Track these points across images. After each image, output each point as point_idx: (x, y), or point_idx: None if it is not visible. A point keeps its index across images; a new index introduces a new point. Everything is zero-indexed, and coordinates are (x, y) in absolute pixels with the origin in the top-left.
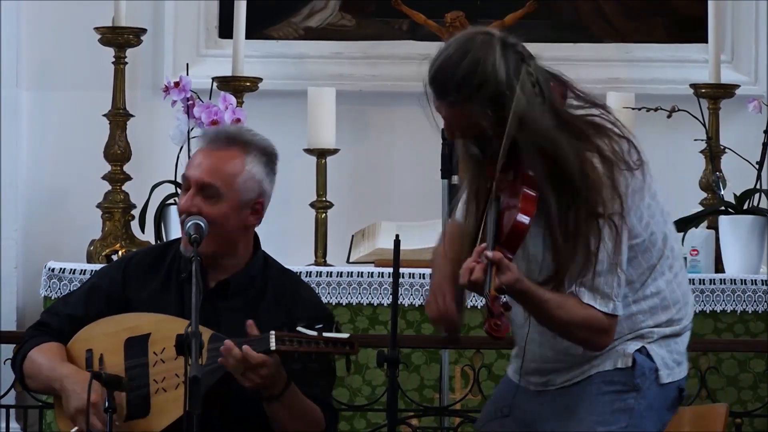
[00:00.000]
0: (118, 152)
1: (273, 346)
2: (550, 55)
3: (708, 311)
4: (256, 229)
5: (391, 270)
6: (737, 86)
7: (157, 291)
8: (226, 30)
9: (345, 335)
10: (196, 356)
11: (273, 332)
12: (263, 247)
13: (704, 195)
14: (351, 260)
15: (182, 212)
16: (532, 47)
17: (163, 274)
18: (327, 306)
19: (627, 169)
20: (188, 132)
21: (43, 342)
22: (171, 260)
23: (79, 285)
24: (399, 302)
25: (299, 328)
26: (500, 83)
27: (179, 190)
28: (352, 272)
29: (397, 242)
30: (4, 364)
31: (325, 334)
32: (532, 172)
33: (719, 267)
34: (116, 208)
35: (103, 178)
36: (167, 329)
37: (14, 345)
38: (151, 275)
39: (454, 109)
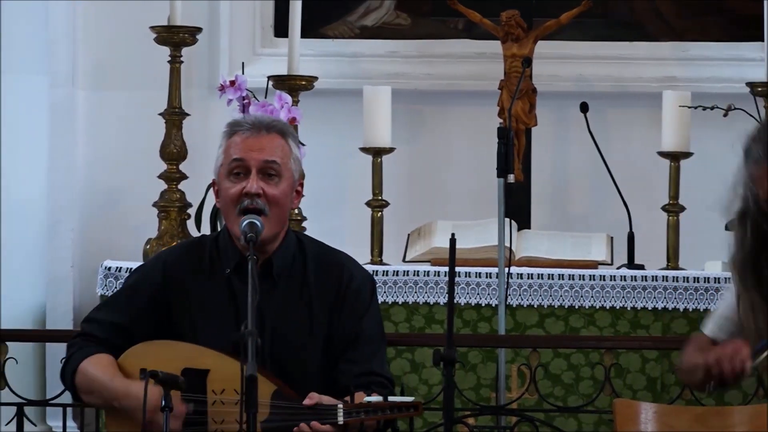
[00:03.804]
0: (174, 151)
1: (341, 420)
2: (605, 53)
3: None
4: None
5: (447, 269)
6: None
7: (203, 289)
8: (281, 29)
9: (409, 399)
10: (252, 356)
11: (341, 405)
12: None
13: None
14: (407, 259)
15: (249, 195)
16: (588, 46)
17: (206, 271)
18: (368, 272)
19: None
20: None
21: (91, 353)
22: (210, 256)
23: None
24: (455, 301)
25: (366, 399)
26: None
27: None
28: (408, 271)
29: (453, 241)
30: (61, 363)
31: (390, 399)
32: None
33: None
34: (172, 207)
35: (159, 177)
36: (227, 369)
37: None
38: (192, 274)
39: None
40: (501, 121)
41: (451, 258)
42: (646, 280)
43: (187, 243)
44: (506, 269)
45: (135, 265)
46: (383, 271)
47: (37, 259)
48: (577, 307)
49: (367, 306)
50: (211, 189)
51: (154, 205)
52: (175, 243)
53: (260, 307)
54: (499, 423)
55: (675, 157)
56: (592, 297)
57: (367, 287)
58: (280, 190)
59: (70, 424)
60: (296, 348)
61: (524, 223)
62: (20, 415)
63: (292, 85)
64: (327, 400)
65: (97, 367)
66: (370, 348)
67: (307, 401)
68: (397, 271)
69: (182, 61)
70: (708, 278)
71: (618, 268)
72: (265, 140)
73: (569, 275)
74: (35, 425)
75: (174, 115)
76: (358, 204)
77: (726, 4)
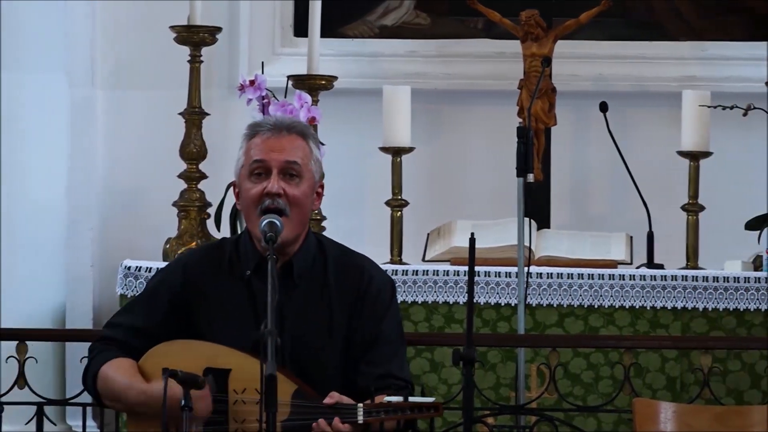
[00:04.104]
0: (193, 151)
1: (361, 419)
2: (624, 53)
3: None
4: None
5: (466, 268)
6: None
7: (224, 291)
8: (301, 28)
9: (430, 399)
10: (272, 355)
11: (361, 405)
12: None
13: None
14: (426, 258)
15: (270, 195)
16: (607, 45)
17: (227, 273)
18: (388, 275)
19: None
20: None
21: (111, 357)
22: (229, 258)
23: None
24: (474, 300)
25: (387, 399)
26: None
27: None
28: (427, 271)
29: (472, 241)
30: (81, 362)
31: (411, 399)
32: None
33: None
34: (192, 206)
35: (179, 176)
36: (249, 369)
37: (91, 343)
38: (212, 276)
39: None
40: (520, 120)
41: (471, 257)
42: (665, 280)
43: (207, 246)
44: (526, 269)
45: (155, 264)
46: (403, 271)
47: (56, 258)
48: (596, 306)
49: (386, 308)
50: (231, 189)
51: (174, 204)
52: (194, 243)
53: (280, 309)
54: (519, 422)
55: (694, 157)
56: (611, 296)
57: (387, 290)
58: (301, 191)
59: (90, 423)
60: (316, 349)
61: (544, 222)
62: (40, 415)
63: (311, 84)
64: (347, 400)
65: (117, 372)
66: (390, 350)
67: (327, 400)
68: (417, 271)
69: (202, 61)
70: (727, 278)
71: (637, 268)
72: (286, 141)
73: (589, 275)
74: (55, 425)
75: (194, 115)
76: (378, 204)
77: (745, 3)
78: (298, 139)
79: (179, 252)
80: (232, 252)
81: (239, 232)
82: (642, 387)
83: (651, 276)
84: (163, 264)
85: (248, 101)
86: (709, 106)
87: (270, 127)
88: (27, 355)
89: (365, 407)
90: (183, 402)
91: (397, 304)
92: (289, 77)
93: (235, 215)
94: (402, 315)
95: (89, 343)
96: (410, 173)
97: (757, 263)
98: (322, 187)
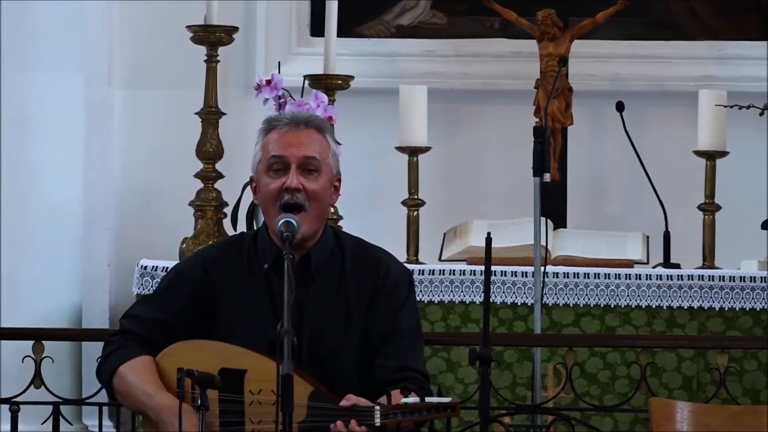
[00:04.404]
0: (210, 150)
1: (378, 422)
2: (641, 52)
3: None
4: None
5: (482, 268)
6: None
7: (242, 285)
8: (317, 28)
9: (446, 399)
10: (288, 355)
11: (378, 408)
12: None
13: None
14: (443, 258)
15: (289, 190)
16: (623, 45)
17: (245, 267)
18: (405, 267)
19: None
20: None
21: (131, 355)
22: (248, 252)
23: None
24: (491, 300)
25: (404, 400)
26: None
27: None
28: (444, 270)
29: (488, 240)
30: (97, 361)
31: (427, 400)
32: None
33: None
34: (208, 206)
35: (196, 176)
36: (265, 370)
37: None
38: (231, 269)
39: None
40: (537, 120)
41: (487, 257)
42: (681, 279)
43: (225, 240)
44: (542, 268)
45: (171, 264)
46: (419, 270)
47: (73, 258)
48: (612, 306)
49: (404, 301)
50: (248, 188)
51: (191, 204)
52: (211, 242)
53: (299, 302)
54: (535, 422)
55: (711, 156)
56: (627, 296)
57: (405, 282)
58: (320, 185)
59: (106, 423)
60: (334, 342)
61: (560, 222)
62: (56, 414)
63: (328, 84)
64: (364, 402)
65: (138, 374)
66: (407, 343)
67: (344, 402)
68: (433, 270)
69: (218, 61)
70: (744, 277)
71: (654, 267)
72: (303, 136)
73: (605, 274)
74: (71, 424)
75: (210, 115)
76: (394, 203)
77: (762, 2)
78: (316, 133)
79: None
80: (251, 246)
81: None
82: (658, 386)
83: (667, 275)
84: None
85: (265, 101)
86: (725, 106)
87: (287, 121)
88: (43, 355)
89: (382, 410)
90: (199, 401)
91: (414, 297)
92: (305, 77)
93: (251, 215)
94: (419, 314)
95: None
96: (427, 173)
97: None
98: (339, 181)
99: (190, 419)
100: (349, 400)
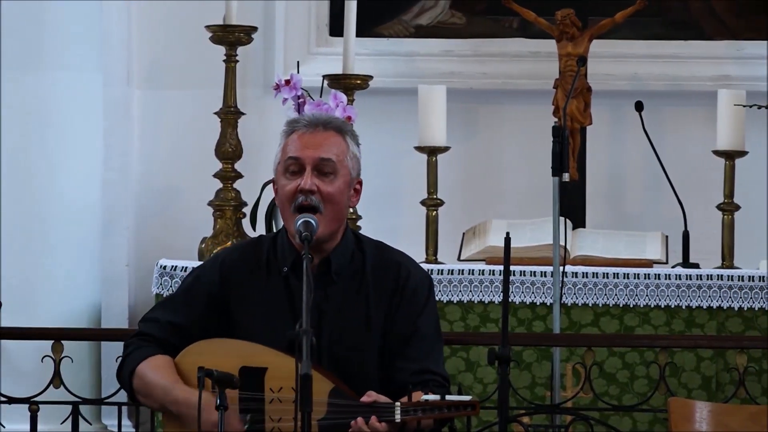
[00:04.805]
0: (229, 150)
1: (398, 418)
2: (660, 52)
3: None
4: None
5: (501, 267)
6: None
7: (261, 288)
8: (336, 28)
9: (467, 398)
10: (307, 354)
11: (399, 404)
12: None
13: None
14: (462, 258)
15: (304, 192)
16: (642, 45)
17: (263, 270)
18: (426, 272)
19: None
20: None
21: (149, 354)
22: (267, 255)
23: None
24: (510, 300)
25: (424, 398)
26: None
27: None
28: (463, 270)
29: (507, 240)
30: (116, 362)
31: (448, 397)
32: None
33: None
34: (227, 206)
35: (215, 176)
36: (285, 368)
37: (128, 338)
38: (249, 273)
39: None
40: (556, 119)
41: (506, 257)
42: (701, 279)
43: (244, 243)
44: (561, 268)
45: (190, 264)
46: (438, 270)
47: (92, 258)
48: (632, 305)
49: (423, 304)
50: (267, 188)
51: (210, 204)
52: (230, 242)
53: (318, 305)
54: (554, 422)
55: (730, 156)
56: (647, 296)
57: (425, 286)
58: (335, 188)
59: (125, 422)
60: (354, 346)
61: (579, 221)
62: (75, 414)
63: (347, 84)
64: (384, 399)
65: (156, 371)
66: (426, 346)
67: (364, 399)
68: (452, 270)
69: (237, 60)
70: (763, 277)
71: (673, 267)
72: (321, 137)
73: (624, 274)
74: (90, 424)
75: (229, 114)
76: (413, 203)
77: None
78: (335, 135)
79: (215, 251)
80: (270, 249)
81: (274, 231)
82: (677, 386)
83: (686, 275)
84: (198, 263)
85: (284, 101)
86: (744, 105)
87: (306, 123)
88: (63, 355)
89: (402, 406)
90: (218, 401)
91: (434, 300)
92: (324, 77)
93: (270, 215)
94: (438, 314)
95: (124, 343)
96: (446, 173)
97: None
98: (360, 183)
99: (210, 414)
100: (370, 396)
